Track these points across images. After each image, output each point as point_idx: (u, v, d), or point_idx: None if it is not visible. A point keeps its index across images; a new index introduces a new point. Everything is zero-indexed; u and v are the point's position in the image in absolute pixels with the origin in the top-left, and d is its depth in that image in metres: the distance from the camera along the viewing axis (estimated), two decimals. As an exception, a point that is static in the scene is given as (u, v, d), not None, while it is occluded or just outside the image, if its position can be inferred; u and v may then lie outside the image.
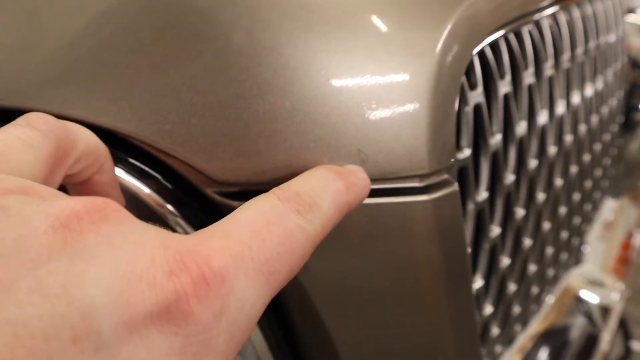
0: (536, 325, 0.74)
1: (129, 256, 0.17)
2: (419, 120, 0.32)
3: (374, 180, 0.32)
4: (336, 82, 0.30)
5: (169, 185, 0.32)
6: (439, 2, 0.35)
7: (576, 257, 0.90)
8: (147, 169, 0.31)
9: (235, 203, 0.31)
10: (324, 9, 0.32)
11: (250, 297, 0.20)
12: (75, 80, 0.28)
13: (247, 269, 0.20)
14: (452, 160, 0.35)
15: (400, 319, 0.36)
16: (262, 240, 0.21)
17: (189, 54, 0.31)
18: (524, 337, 0.70)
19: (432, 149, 0.33)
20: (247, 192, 0.31)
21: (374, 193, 0.32)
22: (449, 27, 0.34)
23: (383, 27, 0.33)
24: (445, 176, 0.35)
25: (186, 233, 0.32)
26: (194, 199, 0.32)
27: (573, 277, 0.86)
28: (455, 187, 0.35)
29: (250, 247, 0.20)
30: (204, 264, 0.19)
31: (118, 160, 0.31)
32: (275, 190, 0.24)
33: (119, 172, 0.31)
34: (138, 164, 0.32)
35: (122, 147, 0.31)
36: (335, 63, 0.31)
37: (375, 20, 0.33)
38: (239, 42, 0.31)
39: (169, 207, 0.31)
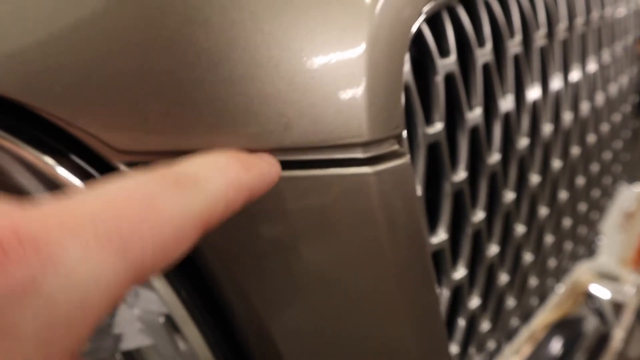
0: (548, 314, 0.69)
1: None
2: (355, 79, 0.28)
3: (302, 149, 0.28)
4: (253, 38, 0.27)
5: (76, 158, 0.29)
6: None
7: (589, 248, 0.84)
8: (49, 140, 0.28)
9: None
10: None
11: (88, 269, 0.18)
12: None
13: (85, 241, 0.18)
14: (399, 127, 0.31)
15: (345, 311, 0.32)
16: (116, 214, 0.20)
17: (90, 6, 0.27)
18: (536, 327, 0.66)
19: (373, 113, 0.28)
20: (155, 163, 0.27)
21: (304, 164, 0.28)
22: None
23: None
24: (395, 147, 0.31)
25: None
26: (103, 172, 0.29)
27: (582, 270, 0.80)
28: (407, 159, 0.31)
29: (93, 220, 0.19)
30: (16, 230, 0.16)
31: (14, 129, 0.27)
32: (157, 167, 0.22)
33: (20, 144, 0.28)
34: (41, 135, 0.28)
35: (20, 115, 0.28)
36: (250, 17, 0.27)
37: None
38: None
39: (75, 181, 0.28)
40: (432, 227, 0.44)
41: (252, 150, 0.27)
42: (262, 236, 0.30)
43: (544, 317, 0.69)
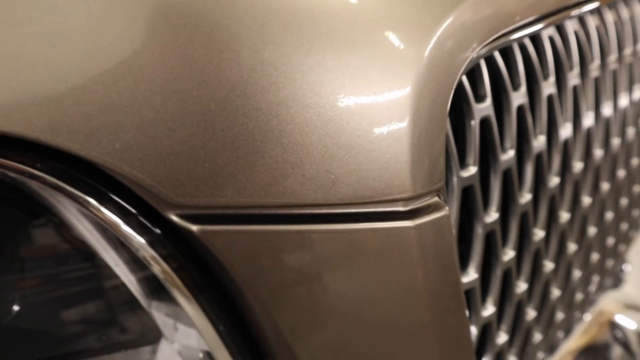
0: (573, 342, 0.68)
1: None
2: (399, 138, 0.29)
3: (346, 204, 0.29)
4: (303, 98, 0.28)
5: (132, 209, 0.30)
6: (423, 13, 0.32)
7: (615, 278, 0.84)
8: (109, 193, 0.29)
9: (194, 226, 0.28)
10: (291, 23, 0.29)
11: None
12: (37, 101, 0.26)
13: None
14: (440, 181, 0.31)
15: (382, 354, 0.32)
16: None
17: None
18: (561, 354, 0.65)
19: (416, 171, 0.29)
20: (206, 215, 0.28)
21: (346, 218, 0.29)
22: (434, 38, 0.31)
23: (357, 38, 0.30)
24: (435, 199, 0.32)
25: (152, 259, 0.30)
26: (157, 223, 0.30)
27: (608, 301, 0.79)
28: (446, 211, 0.32)
29: None
30: None
31: (73, 180, 0.29)
32: None
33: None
34: (100, 187, 0.30)
35: (83, 168, 0.29)
36: (302, 78, 0.28)
37: (349, 32, 0.30)
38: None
39: (130, 231, 0.29)
40: (463, 267, 0.44)
41: (299, 205, 0.28)
42: (303, 284, 0.31)
43: (569, 345, 0.69)
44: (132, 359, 0.33)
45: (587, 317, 0.74)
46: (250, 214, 0.28)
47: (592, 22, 0.57)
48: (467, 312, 0.36)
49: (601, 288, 0.77)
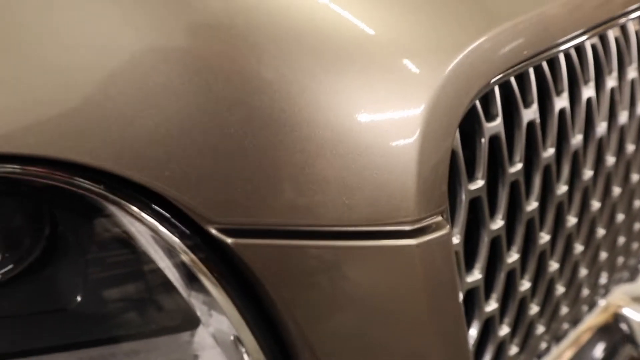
0: (579, 332, 0.72)
1: None
2: (406, 169, 0.33)
3: (359, 225, 0.34)
4: (323, 135, 0.32)
5: (178, 223, 0.35)
6: (435, 48, 0.36)
7: (632, 272, 0.86)
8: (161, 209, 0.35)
9: (229, 239, 0.34)
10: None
11: None
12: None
13: None
14: (443, 205, 0.36)
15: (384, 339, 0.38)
16: None
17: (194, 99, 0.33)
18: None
19: (421, 197, 0.34)
20: (240, 230, 0.34)
21: (361, 235, 0.34)
22: (443, 76, 0.35)
23: (370, 70, 0.34)
24: (438, 218, 0.37)
25: (192, 261, 0.36)
26: (198, 233, 0.35)
27: (617, 294, 0.82)
28: (447, 229, 0.37)
29: None
30: None
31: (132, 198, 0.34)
32: None
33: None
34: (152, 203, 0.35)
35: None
36: (322, 112, 0.32)
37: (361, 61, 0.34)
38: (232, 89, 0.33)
39: (177, 240, 0.35)
40: (469, 267, 0.49)
41: (319, 225, 0.33)
42: (319, 288, 0.36)
43: (575, 333, 0.72)
44: (176, 341, 0.39)
45: (596, 308, 0.77)
46: (277, 230, 0.34)
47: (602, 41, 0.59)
48: (463, 314, 0.41)
49: (610, 285, 0.80)
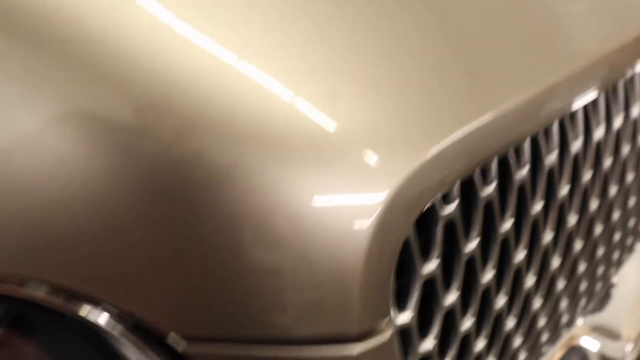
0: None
1: None
2: (350, 285, 0.35)
3: (300, 338, 0.36)
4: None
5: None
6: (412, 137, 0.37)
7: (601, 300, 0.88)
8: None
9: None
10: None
11: None
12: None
13: None
14: (386, 315, 0.38)
15: None
16: None
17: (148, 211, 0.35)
18: None
19: (362, 315, 0.36)
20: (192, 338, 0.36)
21: (306, 342, 0.36)
22: (383, 205, 0.36)
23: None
24: (382, 326, 0.38)
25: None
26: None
27: (580, 325, 0.83)
28: (389, 334, 0.39)
29: None
30: None
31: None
32: None
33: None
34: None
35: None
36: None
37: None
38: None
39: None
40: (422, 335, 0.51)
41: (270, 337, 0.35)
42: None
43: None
44: None
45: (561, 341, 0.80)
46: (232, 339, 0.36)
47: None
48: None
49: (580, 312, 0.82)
